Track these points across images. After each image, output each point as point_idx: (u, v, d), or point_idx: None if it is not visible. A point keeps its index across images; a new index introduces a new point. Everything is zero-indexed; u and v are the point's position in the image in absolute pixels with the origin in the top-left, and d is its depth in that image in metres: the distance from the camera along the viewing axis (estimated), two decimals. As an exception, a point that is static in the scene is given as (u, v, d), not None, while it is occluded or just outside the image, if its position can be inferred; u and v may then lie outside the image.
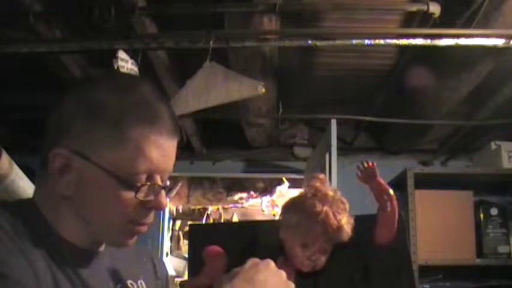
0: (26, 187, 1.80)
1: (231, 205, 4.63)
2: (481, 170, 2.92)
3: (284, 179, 3.88)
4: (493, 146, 3.09)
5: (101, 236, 0.87)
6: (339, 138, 2.87)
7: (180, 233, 4.95)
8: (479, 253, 2.81)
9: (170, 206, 4.37)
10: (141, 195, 0.82)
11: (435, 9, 1.99)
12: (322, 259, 0.93)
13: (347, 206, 0.96)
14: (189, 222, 3.53)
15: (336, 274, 0.95)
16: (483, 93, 2.68)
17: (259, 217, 4.70)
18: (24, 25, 2.02)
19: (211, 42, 2.02)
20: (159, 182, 0.84)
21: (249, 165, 3.75)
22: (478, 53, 2.14)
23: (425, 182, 2.75)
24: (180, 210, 4.79)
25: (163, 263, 1.09)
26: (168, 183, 0.88)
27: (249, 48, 2.18)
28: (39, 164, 0.85)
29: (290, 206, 0.97)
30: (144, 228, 0.87)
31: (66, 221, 0.84)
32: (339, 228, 0.92)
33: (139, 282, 0.95)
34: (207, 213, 4.86)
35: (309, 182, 0.99)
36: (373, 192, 0.97)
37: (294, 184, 3.86)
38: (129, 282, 0.93)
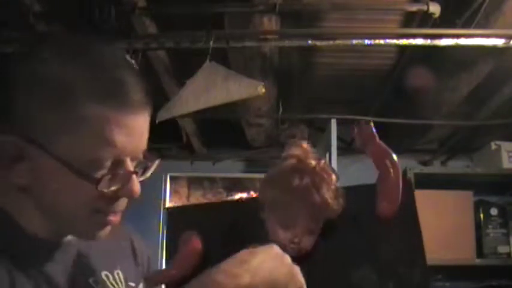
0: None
1: (231, 205, 4.63)
2: (481, 170, 2.92)
3: (284, 179, 3.88)
4: (493, 146, 3.09)
5: (66, 229, 0.76)
6: (339, 138, 2.87)
7: (180, 233, 4.94)
8: (479, 253, 2.81)
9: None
10: (103, 186, 0.69)
11: (435, 9, 1.99)
12: (309, 240, 0.80)
13: (334, 177, 0.81)
14: (167, 206, 3.43)
15: (332, 256, 0.82)
16: (483, 93, 2.68)
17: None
18: (24, 25, 2.02)
19: (211, 42, 2.02)
20: (129, 167, 0.71)
21: (249, 165, 3.74)
22: (478, 53, 2.14)
23: (425, 182, 2.75)
24: (180, 210, 4.78)
25: (143, 245, 0.97)
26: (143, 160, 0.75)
27: (249, 48, 2.18)
28: None
29: (267, 180, 0.83)
30: (115, 219, 0.75)
31: (25, 212, 0.74)
32: (323, 204, 0.78)
33: (115, 272, 0.85)
34: (207, 213, 4.86)
35: (288, 150, 0.83)
36: (372, 158, 0.83)
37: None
38: (103, 274, 0.83)
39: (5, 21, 2.06)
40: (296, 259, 0.74)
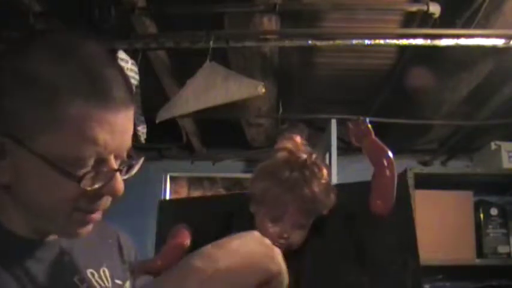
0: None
1: (231, 205, 4.62)
2: (481, 170, 2.91)
3: (284, 179, 3.88)
4: (493, 146, 3.08)
5: (47, 227, 0.75)
6: (339, 138, 2.87)
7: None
8: (479, 253, 2.81)
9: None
10: (86, 184, 0.69)
11: (435, 9, 1.99)
12: (298, 235, 0.78)
13: (325, 171, 0.79)
14: (160, 199, 3.41)
15: (324, 251, 0.80)
16: (483, 93, 2.68)
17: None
18: (24, 25, 2.02)
19: (211, 42, 2.03)
20: (113, 165, 0.71)
21: (249, 165, 3.74)
22: (478, 53, 2.14)
23: (425, 182, 2.75)
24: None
25: (130, 243, 0.96)
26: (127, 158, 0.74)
27: (249, 48, 2.18)
28: None
29: (258, 173, 0.82)
30: (96, 216, 0.74)
31: (6, 210, 0.73)
32: (313, 198, 0.77)
33: (101, 270, 0.84)
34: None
35: (281, 143, 0.83)
36: (367, 155, 0.82)
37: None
38: (88, 271, 0.81)
39: (5, 21, 2.06)
40: (285, 255, 0.70)
